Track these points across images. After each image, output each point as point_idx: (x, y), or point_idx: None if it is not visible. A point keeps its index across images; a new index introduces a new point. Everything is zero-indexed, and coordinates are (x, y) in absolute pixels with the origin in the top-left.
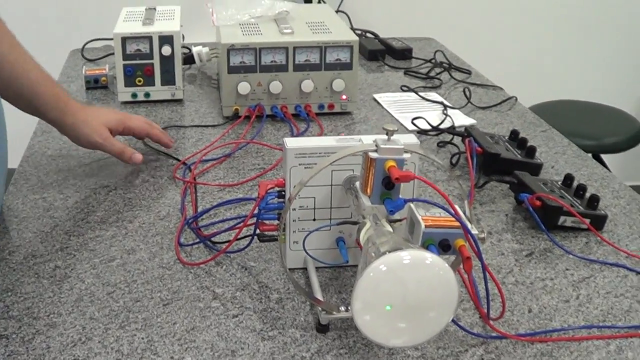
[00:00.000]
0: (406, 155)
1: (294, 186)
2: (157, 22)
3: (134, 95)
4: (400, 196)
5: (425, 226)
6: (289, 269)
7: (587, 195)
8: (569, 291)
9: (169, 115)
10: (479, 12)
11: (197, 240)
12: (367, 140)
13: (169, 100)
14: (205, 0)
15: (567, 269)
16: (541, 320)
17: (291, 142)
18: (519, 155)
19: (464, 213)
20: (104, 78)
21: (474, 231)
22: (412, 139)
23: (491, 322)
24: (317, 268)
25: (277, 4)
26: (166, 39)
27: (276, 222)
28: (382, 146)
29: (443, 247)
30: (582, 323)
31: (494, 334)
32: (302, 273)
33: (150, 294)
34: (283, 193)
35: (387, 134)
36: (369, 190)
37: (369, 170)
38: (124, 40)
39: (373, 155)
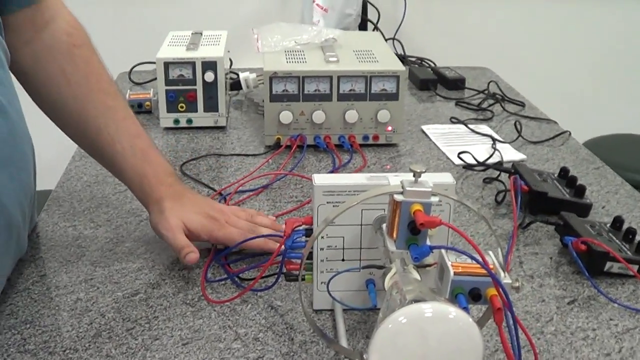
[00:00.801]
0: (434, 199)
1: (319, 225)
2: (202, 47)
3: (177, 121)
4: (428, 242)
5: (455, 273)
6: (315, 311)
7: (637, 239)
8: (611, 343)
9: (210, 142)
10: (536, 43)
11: (225, 276)
12: (394, 180)
13: (211, 127)
14: (253, 26)
15: (611, 319)
16: None
17: (319, 179)
18: (567, 195)
19: (498, 260)
20: (147, 103)
21: (507, 280)
22: (448, 178)
23: None
24: (345, 310)
25: (324, 31)
26: (209, 65)
27: None
28: (408, 189)
29: (473, 296)
30: None
31: None
32: (330, 315)
33: (170, 332)
34: (311, 231)
35: (414, 175)
36: (394, 234)
37: (395, 213)
38: (167, 65)
39: (398, 197)
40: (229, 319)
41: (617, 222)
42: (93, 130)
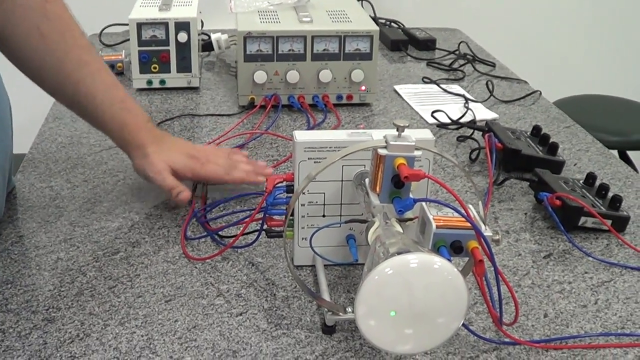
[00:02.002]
0: (417, 153)
1: (302, 181)
2: (174, 7)
3: (149, 82)
4: (410, 195)
5: (437, 227)
6: (296, 267)
7: (610, 195)
8: (587, 296)
9: (184, 103)
10: (504, 4)
11: (205, 233)
12: (378, 135)
13: (184, 88)
14: None
15: (586, 272)
16: (557, 326)
17: (301, 135)
18: (540, 152)
19: (479, 213)
20: (119, 64)
21: (488, 233)
22: (428, 134)
23: (504, 327)
24: (326, 266)
25: None
26: (182, 26)
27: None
28: (391, 143)
29: (455, 249)
30: (600, 330)
31: (506, 340)
32: (311, 271)
33: (152, 289)
34: (292, 187)
35: (397, 130)
36: (378, 188)
37: (378, 168)
38: (140, 26)
39: (382, 152)
40: (210, 276)
41: (590, 178)
42: (71, 85)
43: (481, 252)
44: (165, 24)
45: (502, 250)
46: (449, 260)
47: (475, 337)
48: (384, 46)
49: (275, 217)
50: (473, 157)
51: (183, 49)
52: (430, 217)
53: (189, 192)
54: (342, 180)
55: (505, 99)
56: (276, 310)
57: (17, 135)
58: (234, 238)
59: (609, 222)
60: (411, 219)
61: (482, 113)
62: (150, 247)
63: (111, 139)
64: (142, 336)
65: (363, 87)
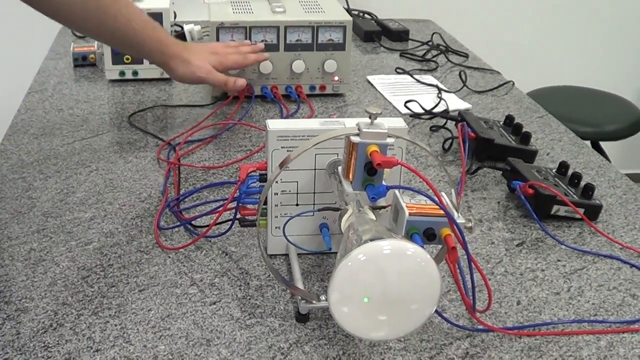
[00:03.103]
0: (390, 140)
1: (275, 169)
2: None
3: (122, 73)
4: (383, 182)
5: (409, 214)
6: (270, 256)
7: (582, 184)
8: (559, 283)
9: (157, 94)
10: None
11: (178, 223)
12: (351, 123)
13: (157, 79)
14: None
15: (558, 260)
16: (530, 313)
17: (274, 124)
18: (513, 142)
19: (452, 201)
20: (92, 55)
21: (461, 220)
22: (400, 123)
23: (477, 314)
24: (299, 254)
25: None
26: (155, 16)
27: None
28: (364, 130)
29: (428, 236)
30: (573, 317)
31: (480, 327)
32: (285, 259)
33: (126, 279)
34: (265, 176)
35: (370, 118)
36: (351, 176)
37: (351, 155)
38: None
39: (355, 139)
40: (184, 265)
41: (563, 167)
42: (110, 18)
43: (454, 239)
44: None
45: (475, 238)
46: (422, 247)
47: (449, 324)
48: (357, 37)
49: (249, 206)
50: (446, 146)
51: None
52: (403, 204)
53: (244, 80)
54: (315, 169)
55: (478, 89)
56: (250, 299)
57: None
58: (207, 227)
59: (581, 210)
60: (384, 207)
61: (455, 103)
62: (124, 237)
63: (149, 57)
64: (115, 325)
65: (336, 78)
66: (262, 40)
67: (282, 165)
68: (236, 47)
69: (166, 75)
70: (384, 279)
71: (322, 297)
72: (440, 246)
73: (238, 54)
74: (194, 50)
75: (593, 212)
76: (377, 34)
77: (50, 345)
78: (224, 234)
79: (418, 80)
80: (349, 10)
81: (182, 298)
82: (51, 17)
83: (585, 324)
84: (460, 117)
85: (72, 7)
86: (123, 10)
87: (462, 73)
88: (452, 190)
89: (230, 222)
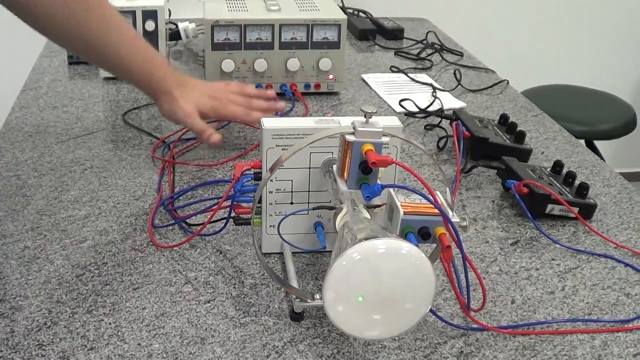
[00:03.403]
0: (385, 139)
1: (269, 168)
2: None
3: None
4: (378, 181)
5: (404, 213)
6: (264, 254)
7: (577, 183)
8: (554, 282)
9: None
10: None
11: (172, 221)
12: (346, 122)
13: None
14: None
15: (553, 259)
16: (524, 312)
17: (268, 123)
18: (507, 140)
19: (446, 199)
20: None
21: (455, 219)
22: (395, 121)
23: (472, 313)
24: (294, 253)
25: None
26: (150, 14)
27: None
28: (359, 129)
29: (422, 235)
30: (567, 316)
31: (474, 326)
32: (279, 258)
33: (120, 277)
34: (260, 175)
35: (365, 116)
36: (345, 175)
37: (346, 154)
38: None
39: (350, 138)
40: (178, 264)
41: (557, 166)
42: (97, 42)
43: (449, 238)
44: (132, 12)
45: (470, 237)
46: (417, 246)
47: (443, 323)
48: (352, 35)
49: (243, 204)
50: (441, 145)
51: (150, 38)
52: (398, 203)
53: (219, 135)
54: (309, 168)
55: (473, 88)
56: (244, 297)
57: None
58: (201, 226)
59: (576, 209)
60: (379, 206)
61: (449, 102)
62: (118, 235)
63: (138, 87)
64: (110, 324)
65: (331, 76)
66: (257, 39)
67: (277, 164)
68: (241, 91)
69: None
70: (378, 278)
71: (317, 296)
72: (434, 245)
73: (240, 106)
74: (190, 87)
75: (587, 211)
76: (371, 32)
77: (44, 344)
78: (218, 232)
79: (413, 79)
80: (343, 9)
81: (177, 296)
82: (40, 32)
83: (579, 323)
84: (455, 116)
85: (55, 28)
86: (114, 37)
87: (456, 72)
88: (447, 189)
89: (224, 221)
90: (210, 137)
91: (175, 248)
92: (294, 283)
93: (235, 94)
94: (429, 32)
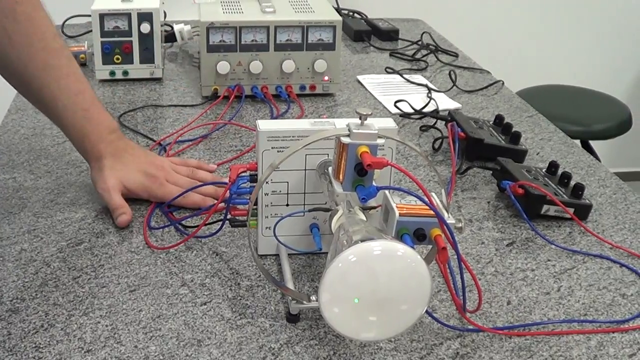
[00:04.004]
0: (380, 141)
1: (265, 170)
2: None
3: (112, 73)
4: (373, 183)
5: (400, 215)
6: (260, 256)
7: (572, 183)
8: (550, 283)
9: (147, 94)
10: None
11: (168, 223)
12: (341, 124)
13: (147, 79)
14: None
15: (548, 260)
16: (520, 313)
17: (264, 125)
18: (503, 141)
19: (442, 201)
20: (82, 55)
21: (451, 220)
22: (390, 123)
23: (468, 314)
24: (290, 255)
25: None
26: (145, 16)
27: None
28: (354, 131)
29: (418, 236)
30: (563, 317)
31: (470, 327)
32: (275, 260)
33: (117, 279)
34: (255, 177)
35: (360, 118)
36: (341, 177)
37: (341, 156)
38: (102, 16)
39: (345, 140)
40: (174, 266)
41: (552, 167)
42: (35, 87)
43: (444, 239)
44: (127, 15)
45: (466, 238)
46: (412, 247)
47: (439, 325)
48: (347, 37)
49: (239, 206)
50: (436, 146)
51: (146, 40)
52: (394, 205)
53: (129, 216)
54: (305, 169)
55: (468, 88)
56: (240, 299)
57: None
58: (197, 227)
59: (571, 210)
60: (374, 207)
61: (445, 103)
62: (114, 237)
63: (74, 146)
64: (106, 326)
65: (326, 78)
66: (252, 40)
67: (273, 166)
68: (191, 172)
69: (156, 75)
70: (374, 279)
71: (313, 298)
72: (430, 246)
73: (180, 187)
74: (125, 160)
75: (583, 212)
76: (367, 33)
77: (41, 346)
78: (214, 234)
79: (408, 80)
80: (338, 10)
81: (173, 298)
82: None
83: (575, 324)
84: (450, 117)
85: (1, 62)
86: (52, 85)
87: (451, 72)
88: (442, 190)
89: (220, 223)
90: (118, 217)
91: (171, 250)
92: (290, 285)
93: (183, 174)
94: (423, 33)
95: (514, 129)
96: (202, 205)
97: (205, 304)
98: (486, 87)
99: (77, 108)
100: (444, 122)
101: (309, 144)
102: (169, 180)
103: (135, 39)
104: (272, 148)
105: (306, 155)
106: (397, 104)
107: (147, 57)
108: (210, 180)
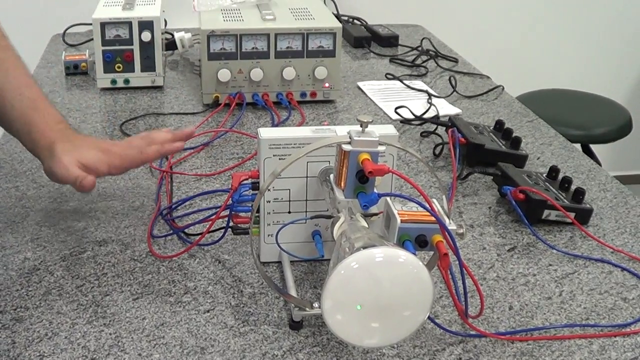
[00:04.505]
0: (381, 148)
1: (267, 177)
2: (138, 7)
3: (114, 81)
4: (375, 190)
5: (401, 221)
6: (263, 263)
7: (573, 188)
8: (551, 288)
9: (148, 102)
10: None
11: (171, 231)
12: (342, 131)
13: (148, 87)
14: None
15: (550, 265)
16: (522, 318)
17: (265, 132)
18: (503, 146)
19: (443, 207)
20: (83, 64)
21: (452, 226)
22: (391, 129)
23: (470, 320)
24: (292, 262)
25: None
26: (146, 25)
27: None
28: (355, 138)
29: (420, 243)
30: (565, 321)
31: (472, 333)
32: (277, 267)
33: (120, 287)
34: (257, 185)
35: (361, 126)
36: (342, 184)
37: (343, 163)
38: (103, 25)
39: (346, 147)
40: (177, 274)
41: (553, 171)
42: None
43: (446, 245)
44: (128, 23)
45: (467, 244)
46: (414, 254)
47: (442, 330)
48: (347, 43)
49: (241, 214)
50: (437, 152)
51: (147, 48)
52: (395, 211)
53: (93, 179)
54: (307, 177)
55: (468, 94)
56: (243, 306)
57: None
58: (200, 235)
59: (572, 214)
60: (376, 214)
61: (445, 108)
62: (117, 245)
63: (21, 141)
64: (110, 334)
65: (327, 84)
66: (253, 48)
67: (274, 174)
68: (145, 135)
69: (158, 83)
70: (376, 286)
71: (315, 305)
72: (432, 252)
73: (134, 148)
74: (78, 143)
75: (584, 216)
76: (366, 39)
77: (45, 355)
78: (217, 242)
79: (408, 86)
80: (338, 17)
81: (176, 306)
82: None
83: (577, 328)
84: (451, 123)
85: None
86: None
87: (451, 78)
88: (443, 196)
89: (223, 230)
90: (82, 182)
91: (174, 258)
92: (293, 292)
93: (136, 139)
94: (423, 38)
95: (514, 134)
96: (162, 151)
97: (208, 311)
98: (486, 93)
99: (24, 99)
100: (444, 128)
101: (310, 151)
102: (123, 149)
103: (136, 47)
104: (273, 156)
105: (308, 162)
106: (398, 110)
107: (148, 65)
108: (167, 137)
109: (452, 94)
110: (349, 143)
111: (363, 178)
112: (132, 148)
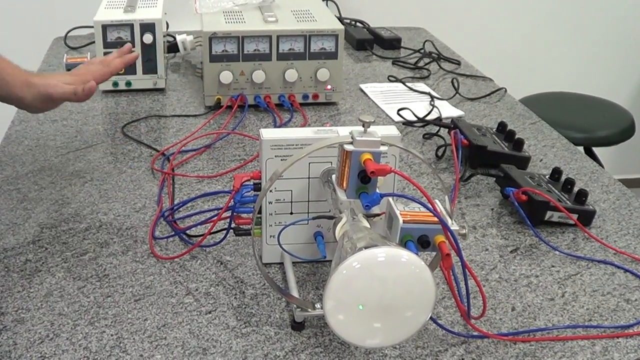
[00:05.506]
0: (383, 148)
1: (269, 178)
2: (139, 9)
3: (115, 84)
4: (377, 190)
5: (404, 221)
6: (265, 264)
7: (575, 189)
8: (554, 289)
9: (150, 104)
10: (470, 1)
11: (172, 233)
12: (344, 132)
13: (150, 90)
14: None
15: (552, 266)
16: (525, 319)
17: (267, 133)
18: (506, 148)
19: (445, 208)
20: None
21: (454, 227)
22: (393, 130)
23: (472, 321)
24: (294, 263)
25: None
26: (148, 27)
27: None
28: (357, 138)
29: (422, 243)
30: (567, 322)
31: (475, 333)
32: (279, 268)
33: (121, 289)
34: (259, 186)
35: (363, 126)
36: (344, 184)
37: (345, 163)
38: (105, 28)
39: (348, 147)
40: (179, 275)
41: (556, 173)
42: None
43: (448, 246)
44: (130, 26)
45: (470, 245)
46: (416, 254)
47: (444, 331)
48: (350, 45)
49: (243, 215)
50: (439, 154)
51: (149, 51)
52: (397, 212)
53: (92, 82)
54: (309, 178)
55: (471, 96)
56: (245, 307)
57: None
58: (202, 237)
59: (575, 216)
60: (378, 215)
61: (447, 111)
62: (119, 247)
63: None
64: (112, 335)
65: (329, 86)
66: (255, 50)
67: (276, 174)
68: (100, 61)
69: (159, 86)
70: (378, 286)
71: (318, 305)
72: (434, 253)
73: (99, 65)
74: (48, 75)
75: (586, 218)
76: (369, 42)
77: (47, 356)
78: (218, 243)
79: (410, 88)
80: (340, 19)
81: (178, 307)
82: None
83: (579, 329)
84: (453, 125)
85: None
86: None
87: (454, 80)
88: (446, 197)
89: (225, 232)
90: (85, 86)
91: (176, 259)
92: (295, 293)
93: (94, 65)
94: (426, 41)
95: (517, 136)
96: (121, 63)
97: (210, 312)
98: (489, 95)
99: None
100: (447, 130)
101: (312, 151)
102: (88, 70)
103: (138, 49)
104: (275, 156)
105: (310, 163)
106: (400, 112)
107: (150, 67)
108: (114, 54)
109: (454, 96)
110: (351, 143)
111: (365, 178)
112: (95, 64)
